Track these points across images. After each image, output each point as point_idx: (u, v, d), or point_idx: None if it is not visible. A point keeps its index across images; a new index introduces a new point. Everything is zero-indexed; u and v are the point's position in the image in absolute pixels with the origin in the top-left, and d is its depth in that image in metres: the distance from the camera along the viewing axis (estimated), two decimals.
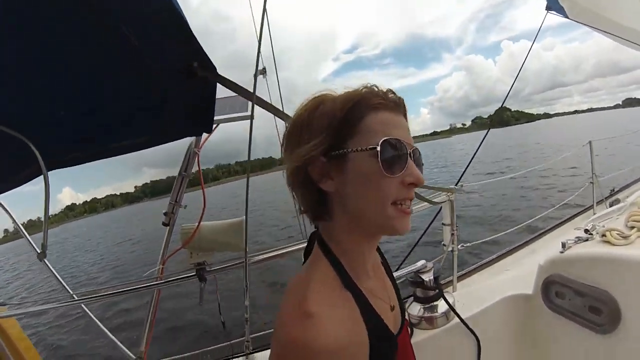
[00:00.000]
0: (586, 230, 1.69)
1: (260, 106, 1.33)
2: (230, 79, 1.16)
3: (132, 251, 20.27)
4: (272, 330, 1.68)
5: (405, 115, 0.71)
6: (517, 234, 3.31)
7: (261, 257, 1.72)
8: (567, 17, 3.50)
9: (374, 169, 0.63)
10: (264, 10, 1.22)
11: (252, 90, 1.28)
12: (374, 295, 0.74)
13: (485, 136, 2.73)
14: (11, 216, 1.98)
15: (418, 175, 0.65)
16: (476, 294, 2.02)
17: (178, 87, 1.21)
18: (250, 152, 1.35)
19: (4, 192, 1.80)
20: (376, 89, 0.69)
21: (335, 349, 0.57)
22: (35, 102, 1.28)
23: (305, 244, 0.87)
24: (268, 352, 1.81)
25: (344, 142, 0.65)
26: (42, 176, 1.45)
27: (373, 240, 0.76)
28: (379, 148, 0.62)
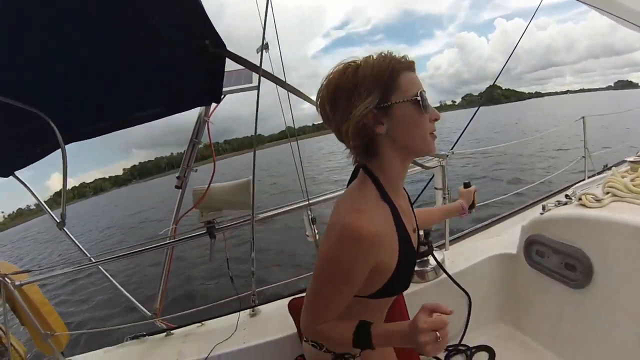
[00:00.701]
0: (566, 196, 1.83)
1: (266, 78, 1.47)
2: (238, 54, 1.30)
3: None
4: (275, 284, 1.86)
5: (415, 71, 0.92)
6: (509, 205, 3.43)
7: (267, 214, 1.90)
8: None
9: (416, 112, 0.86)
10: None
11: (258, 65, 1.43)
12: (403, 212, 0.97)
13: (475, 112, 2.84)
14: (30, 190, 2.08)
15: (437, 113, 0.90)
16: (465, 254, 2.20)
17: (191, 62, 1.31)
18: (257, 124, 1.54)
19: (22, 167, 1.91)
20: (396, 55, 0.88)
21: (376, 235, 0.83)
22: (52, 77, 1.34)
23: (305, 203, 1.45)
24: (272, 304, 1.99)
25: (389, 97, 0.85)
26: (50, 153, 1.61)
27: (407, 165, 0.99)
28: (419, 97, 0.85)
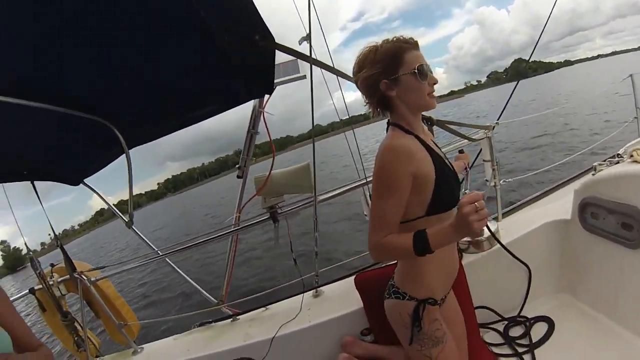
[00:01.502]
0: (618, 155, 1.82)
1: (317, 66, 1.59)
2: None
3: None
4: (338, 264, 1.96)
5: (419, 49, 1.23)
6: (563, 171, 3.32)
7: (327, 195, 1.99)
8: None
9: (416, 81, 1.19)
10: None
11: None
12: (429, 142, 1.29)
13: (515, 87, 2.81)
14: (100, 195, 2.26)
15: (435, 78, 1.22)
16: (518, 223, 2.19)
17: (242, 56, 1.38)
18: (313, 114, 1.70)
19: (94, 172, 2.07)
20: (402, 37, 1.22)
21: (407, 147, 1.16)
22: (113, 85, 1.43)
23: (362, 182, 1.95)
24: (335, 284, 2.09)
25: (397, 70, 1.19)
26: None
27: (418, 116, 1.32)
28: (416, 70, 1.18)
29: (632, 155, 1.69)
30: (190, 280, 2.30)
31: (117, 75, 1.38)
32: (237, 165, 1.89)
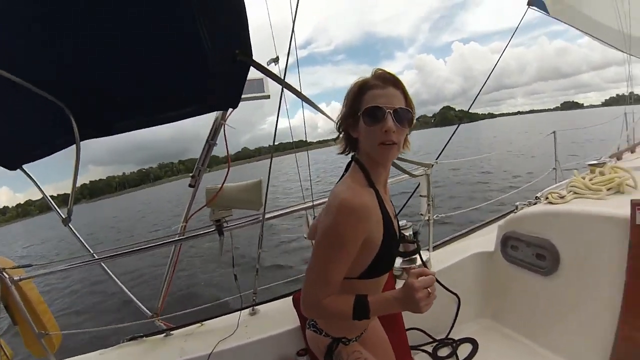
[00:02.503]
0: (536, 197, 2.13)
1: (287, 89, 1.64)
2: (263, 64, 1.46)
3: None
4: (277, 283, 1.99)
5: (395, 85, 1.09)
6: (487, 212, 3.67)
7: (274, 214, 2.04)
8: (547, 13, 3.87)
9: (367, 123, 1.06)
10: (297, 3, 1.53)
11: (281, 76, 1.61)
12: (385, 200, 1.17)
13: (455, 130, 3.14)
14: (37, 185, 2.09)
15: (390, 126, 1.03)
16: (448, 253, 2.42)
17: (219, 68, 1.40)
18: (275, 134, 1.76)
19: (37, 159, 1.87)
20: (372, 75, 1.10)
21: (367, 207, 1.03)
22: (78, 69, 1.32)
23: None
24: (272, 303, 2.10)
25: (358, 110, 1.07)
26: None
27: (376, 165, 1.15)
28: (362, 112, 1.06)
29: (547, 198, 2.00)
30: (125, 288, 2.17)
31: (87, 57, 1.27)
32: (191, 175, 1.89)
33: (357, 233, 1.02)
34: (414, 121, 1.11)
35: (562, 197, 1.93)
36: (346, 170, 1.22)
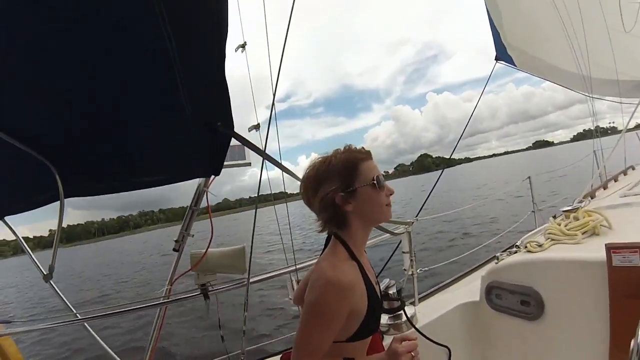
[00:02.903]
0: (516, 245, 2.19)
1: (268, 160, 1.73)
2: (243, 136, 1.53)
3: None
4: (265, 343, 1.98)
5: (371, 156, 1.22)
6: (470, 259, 3.70)
7: (259, 277, 2.05)
8: (515, 66, 4.16)
9: (374, 192, 1.15)
10: (277, 79, 1.62)
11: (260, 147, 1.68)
12: (367, 268, 1.23)
13: (439, 177, 3.27)
14: (19, 238, 2.06)
15: (391, 188, 1.19)
16: (434, 306, 2.44)
17: (201, 137, 1.46)
18: (258, 195, 1.81)
19: (20, 212, 1.87)
20: (355, 148, 1.22)
21: (352, 284, 1.09)
22: (65, 129, 1.38)
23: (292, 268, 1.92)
24: None
25: (353, 183, 1.15)
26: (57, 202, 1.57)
27: (369, 231, 1.27)
28: (375, 181, 1.14)
29: (526, 246, 2.05)
30: (110, 350, 2.12)
31: (74, 122, 1.34)
32: (175, 240, 1.91)
33: (341, 309, 1.07)
34: None
35: (540, 245, 1.99)
36: (326, 244, 1.28)
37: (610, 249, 1.57)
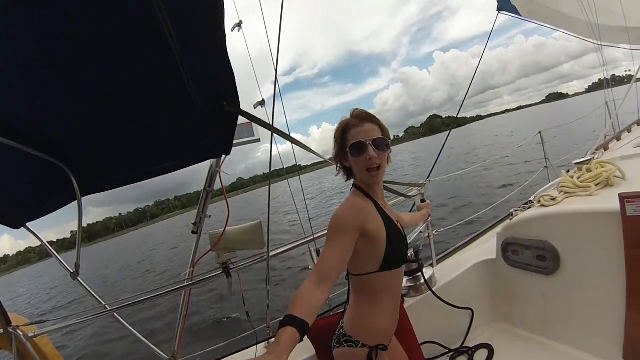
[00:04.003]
0: (529, 201, 2.19)
1: (277, 134, 1.74)
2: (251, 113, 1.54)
3: None
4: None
5: (371, 120, 1.37)
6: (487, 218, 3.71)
7: (278, 250, 2.08)
8: (519, 15, 4.03)
9: (354, 156, 1.35)
10: (277, 52, 1.61)
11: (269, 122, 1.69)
12: (387, 209, 1.45)
13: (447, 138, 3.26)
14: (42, 241, 2.09)
15: (371, 155, 1.31)
16: (452, 266, 2.47)
17: (209, 117, 1.46)
18: (270, 166, 1.87)
19: (40, 216, 1.89)
20: (354, 112, 1.39)
21: (362, 205, 1.34)
22: (74, 128, 1.38)
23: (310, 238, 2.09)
24: None
25: (345, 146, 1.37)
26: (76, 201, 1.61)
27: (373, 185, 1.42)
28: (348, 148, 1.35)
29: (539, 201, 2.05)
30: (140, 336, 2.21)
31: (82, 118, 1.35)
32: (193, 222, 1.95)
33: (351, 223, 1.25)
34: (390, 146, 1.38)
35: (554, 199, 1.98)
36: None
37: (624, 198, 1.57)
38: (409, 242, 2.14)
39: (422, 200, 2.18)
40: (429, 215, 2.16)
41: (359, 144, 1.32)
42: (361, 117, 1.36)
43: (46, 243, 2.12)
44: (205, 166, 1.89)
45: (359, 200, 1.36)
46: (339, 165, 1.47)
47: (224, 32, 1.22)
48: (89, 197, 1.73)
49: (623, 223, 1.59)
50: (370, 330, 1.39)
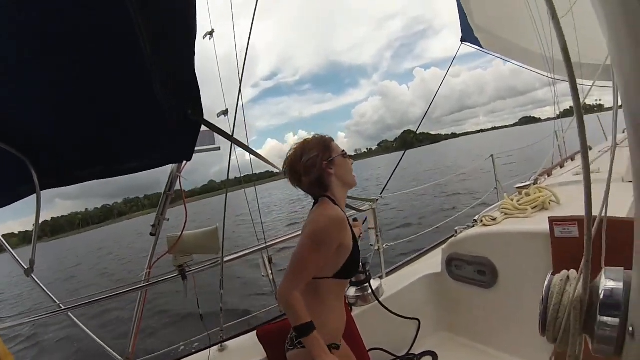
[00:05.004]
0: (473, 220, 2.36)
1: (237, 145, 1.83)
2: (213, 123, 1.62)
3: None
4: (242, 319, 2.10)
5: None
6: (434, 234, 3.88)
7: (233, 256, 2.16)
8: (481, 47, 4.26)
9: (345, 161, 1.52)
10: (243, 69, 1.70)
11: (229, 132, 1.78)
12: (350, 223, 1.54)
13: (402, 157, 3.44)
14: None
15: (351, 160, 1.55)
16: (399, 278, 2.62)
17: (172, 123, 1.51)
18: (228, 175, 1.93)
19: None
20: (322, 135, 1.55)
21: (344, 220, 1.40)
22: (37, 120, 1.39)
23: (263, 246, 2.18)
24: (239, 338, 2.20)
25: (330, 155, 1.48)
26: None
27: (345, 194, 1.58)
28: (342, 153, 1.52)
29: (482, 221, 2.22)
30: (94, 336, 2.20)
31: (47, 114, 1.37)
32: (151, 225, 2.00)
33: (336, 240, 1.36)
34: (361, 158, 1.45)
35: (494, 219, 2.17)
36: (313, 206, 1.55)
37: (553, 221, 1.75)
38: None
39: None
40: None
41: (345, 152, 1.53)
42: (331, 137, 1.56)
43: (1, 238, 2.08)
44: (187, 165, 1.93)
45: (340, 213, 1.42)
46: (315, 171, 1.47)
47: (194, 48, 1.29)
48: (58, 190, 1.72)
49: (551, 243, 1.76)
50: (322, 330, 1.42)
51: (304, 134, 1.54)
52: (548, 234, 1.77)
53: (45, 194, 1.66)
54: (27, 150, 1.48)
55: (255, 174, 2.16)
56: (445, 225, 3.71)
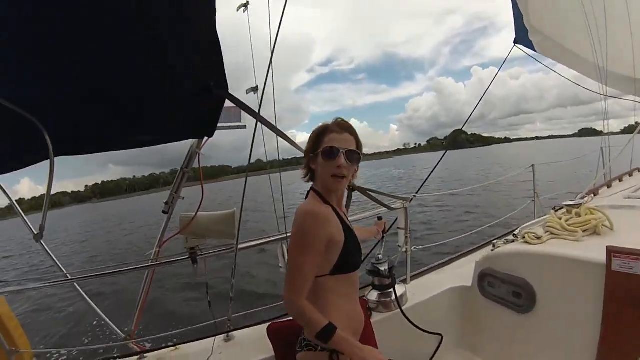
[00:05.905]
0: (513, 234, 2.13)
1: (262, 123, 1.68)
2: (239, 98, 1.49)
3: None
4: (251, 311, 1.97)
5: (350, 132, 1.38)
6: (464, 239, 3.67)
7: (248, 244, 2.03)
8: (534, 50, 4.02)
9: (324, 161, 1.33)
10: (275, 43, 1.56)
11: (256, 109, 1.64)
12: (342, 214, 1.45)
13: (442, 157, 3.21)
14: (10, 198, 2.06)
15: (341, 163, 1.31)
16: (425, 286, 2.42)
17: (195, 97, 1.44)
18: (251, 155, 1.78)
19: (10, 171, 1.85)
20: (337, 121, 1.39)
21: (325, 214, 1.30)
22: (56, 89, 1.37)
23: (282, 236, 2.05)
24: (247, 330, 2.08)
25: (317, 149, 1.36)
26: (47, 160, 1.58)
27: (334, 191, 1.41)
28: (321, 150, 1.33)
29: (524, 237, 2.00)
30: (98, 309, 2.15)
31: (66, 79, 1.33)
32: (164, 202, 1.89)
33: (320, 234, 1.26)
34: (361, 160, 1.40)
35: (539, 238, 1.93)
36: (306, 198, 1.45)
37: (612, 252, 1.52)
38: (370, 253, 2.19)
39: (379, 218, 2.10)
40: (382, 235, 2.09)
41: (333, 148, 1.33)
42: (342, 127, 1.38)
43: (12, 200, 2.07)
44: (242, 144, 1.83)
45: (321, 207, 1.33)
46: (306, 163, 1.45)
47: (215, 13, 1.20)
48: (110, 154, 1.69)
49: (607, 277, 1.55)
50: None
51: (356, 124, 1.38)
52: (604, 264, 1.55)
53: (99, 157, 1.61)
54: (43, 116, 1.46)
55: (286, 159, 2.05)
56: (471, 235, 3.50)
